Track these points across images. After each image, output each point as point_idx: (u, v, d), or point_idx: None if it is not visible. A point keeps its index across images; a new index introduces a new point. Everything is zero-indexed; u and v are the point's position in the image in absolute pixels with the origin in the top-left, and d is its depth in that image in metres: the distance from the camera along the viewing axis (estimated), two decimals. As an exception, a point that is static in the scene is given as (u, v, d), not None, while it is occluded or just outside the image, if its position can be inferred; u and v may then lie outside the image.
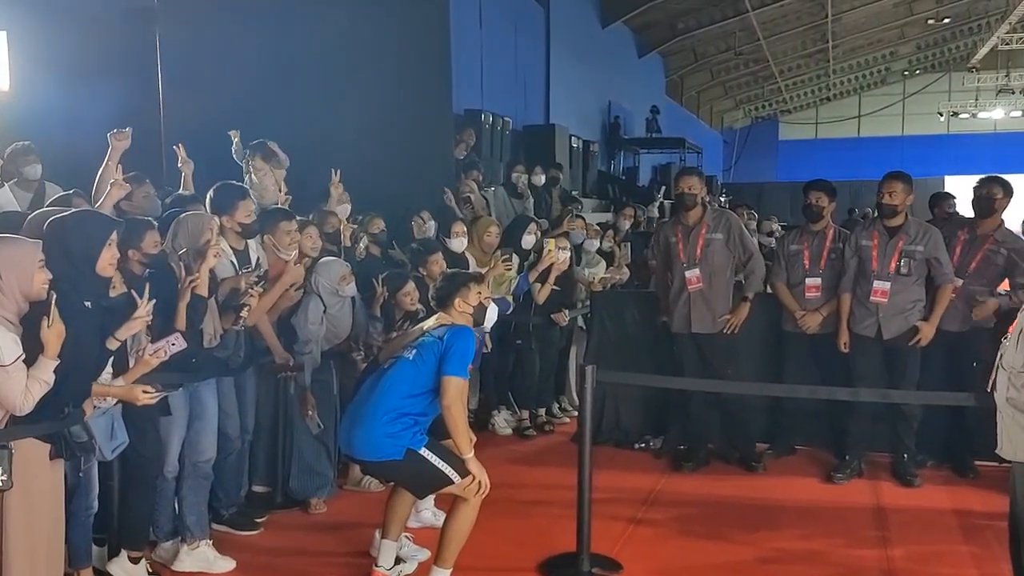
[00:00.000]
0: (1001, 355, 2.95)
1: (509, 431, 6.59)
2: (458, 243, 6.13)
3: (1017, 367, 2.83)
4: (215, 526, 4.55)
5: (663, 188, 17.32)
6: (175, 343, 3.59)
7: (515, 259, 6.30)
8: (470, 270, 5.93)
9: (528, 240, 6.51)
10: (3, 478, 2.89)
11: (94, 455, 3.53)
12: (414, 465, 3.68)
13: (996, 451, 3.25)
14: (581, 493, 4.10)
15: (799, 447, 6.03)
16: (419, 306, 5.10)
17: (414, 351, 3.76)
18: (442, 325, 3.85)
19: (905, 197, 5.33)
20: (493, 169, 10.84)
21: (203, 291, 3.85)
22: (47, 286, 2.94)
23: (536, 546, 4.37)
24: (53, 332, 2.91)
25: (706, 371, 5.56)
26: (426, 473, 3.70)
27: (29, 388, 2.87)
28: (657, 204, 15.56)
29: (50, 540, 3.12)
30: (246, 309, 4.21)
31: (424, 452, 3.68)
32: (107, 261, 3.23)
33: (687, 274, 5.60)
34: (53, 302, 2.92)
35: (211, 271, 4.01)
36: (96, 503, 3.73)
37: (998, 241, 5.40)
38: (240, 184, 4.84)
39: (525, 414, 6.62)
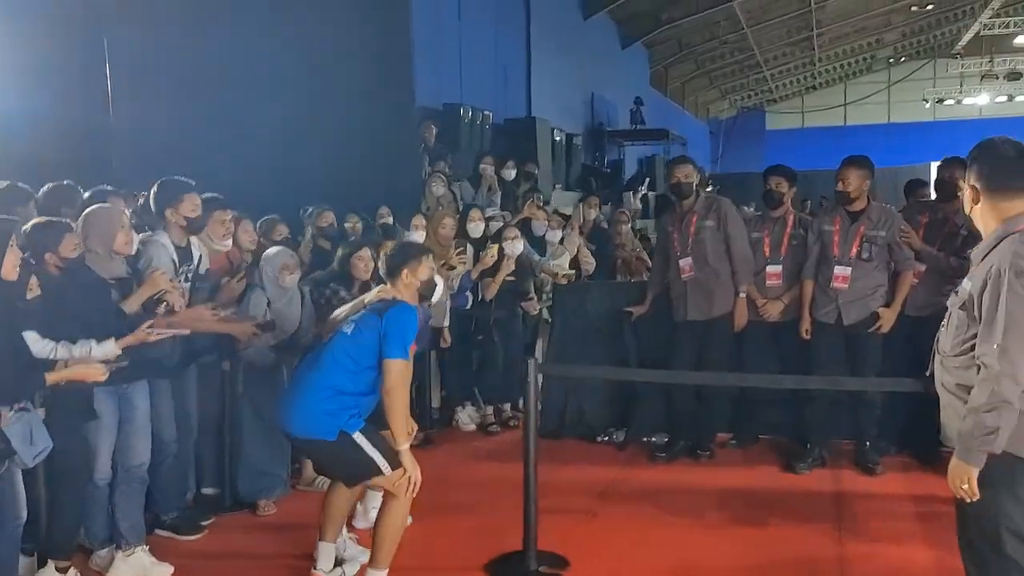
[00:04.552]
0: (937, 339, 2.86)
1: (473, 427, 6.50)
2: (417, 236, 6.03)
3: (947, 351, 2.73)
4: (157, 532, 4.46)
5: (647, 180, 17.22)
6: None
7: (469, 250, 6.22)
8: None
9: (472, 228, 6.43)
10: None
11: (13, 463, 3.41)
12: (345, 449, 3.54)
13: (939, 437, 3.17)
14: (527, 489, 4.01)
15: (763, 436, 5.94)
16: (370, 279, 4.96)
17: (352, 325, 3.63)
18: (382, 300, 3.71)
19: (860, 183, 5.24)
20: (468, 163, 10.75)
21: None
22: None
23: (485, 545, 4.27)
24: None
25: (702, 360, 5.45)
26: (356, 459, 3.56)
27: None
28: (640, 196, 15.48)
29: None
30: (163, 305, 4.02)
31: (357, 437, 3.54)
32: (11, 264, 3.12)
33: (681, 263, 5.54)
34: None
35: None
36: (24, 512, 3.59)
37: (958, 224, 5.31)
38: (186, 179, 4.67)
39: (490, 409, 6.53)
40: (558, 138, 15.04)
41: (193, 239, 4.52)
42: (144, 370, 4.03)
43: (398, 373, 3.53)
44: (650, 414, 5.93)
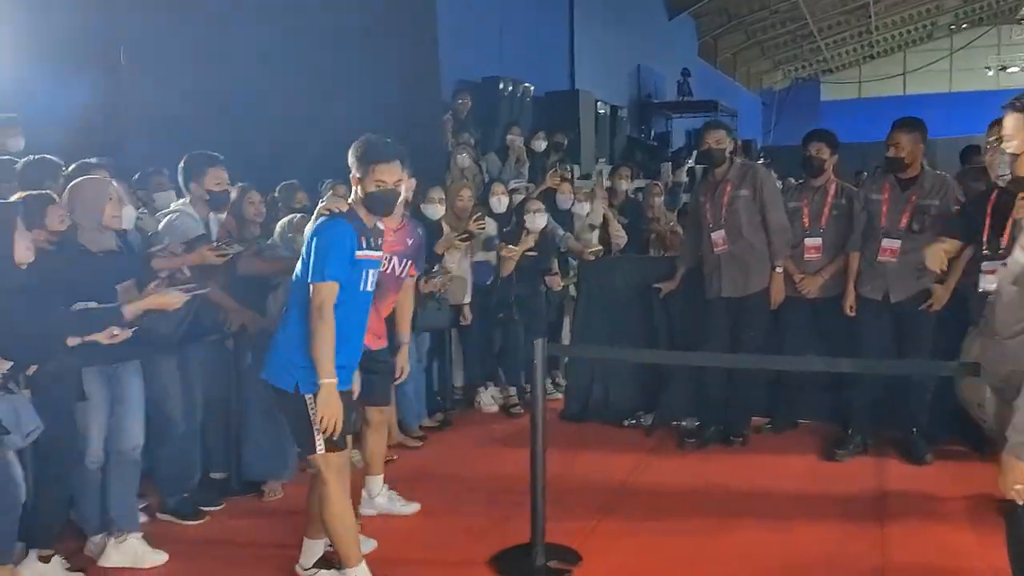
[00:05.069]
0: (983, 320, 2.50)
1: (495, 408, 6.24)
2: (432, 210, 5.73)
3: (1002, 333, 2.37)
4: (159, 515, 4.32)
5: (694, 152, 16.72)
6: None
7: (491, 223, 5.93)
8: (444, 238, 5.59)
9: (495, 202, 6.14)
10: None
11: (3, 444, 3.22)
12: (295, 407, 3.22)
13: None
14: (535, 479, 3.70)
15: (802, 421, 5.57)
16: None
17: (300, 262, 3.31)
18: (317, 220, 3.33)
19: (913, 147, 4.81)
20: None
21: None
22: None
23: (492, 536, 4.00)
24: None
25: (736, 340, 5.12)
26: (301, 423, 3.23)
27: None
28: (686, 168, 15.01)
29: None
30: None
31: (309, 400, 3.19)
32: (23, 247, 3.00)
33: (713, 236, 5.18)
34: None
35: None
36: (23, 495, 3.41)
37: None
38: (213, 153, 4.56)
39: (512, 390, 6.25)
40: (602, 111, 14.68)
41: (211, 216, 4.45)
42: (140, 348, 3.80)
43: (319, 297, 3.10)
44: (680, 397, 5.59)
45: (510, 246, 5.96)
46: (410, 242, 4.20)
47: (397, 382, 4.33)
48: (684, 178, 14.07)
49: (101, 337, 3.30)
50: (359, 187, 3.25)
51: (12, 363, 3.14)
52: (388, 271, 4.00)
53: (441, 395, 6.16)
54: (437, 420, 5.87)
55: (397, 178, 3.25)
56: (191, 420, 4.39)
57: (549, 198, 6.60)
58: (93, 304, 3.33)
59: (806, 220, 5.22)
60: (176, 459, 4.34)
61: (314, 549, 3.61)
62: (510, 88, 11.68)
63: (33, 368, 3.38)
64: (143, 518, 4.24)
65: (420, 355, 5.68)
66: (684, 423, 5.53)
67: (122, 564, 3.80)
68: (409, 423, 5.53)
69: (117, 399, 3.82)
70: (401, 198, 3.87)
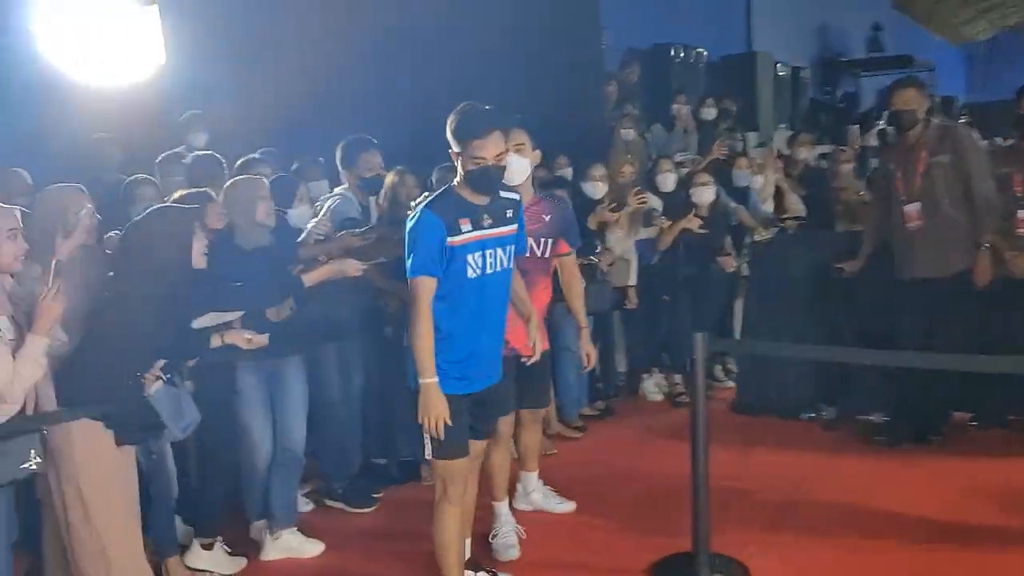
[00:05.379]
0: None
1: (660, 397, 5.92)
2: (592, 187, 5.45)
3: None
4: (327, 502, 4.36)
5: (884, 113, 15.47)
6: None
7: (656, 201, 5.58)
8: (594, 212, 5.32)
9: (662, 180, 5.76)
10: (37, 461, 2.74)
11: (163, 436, 3.27)
12: (413, 406, 2.98)
13: None
14: (696, 484, 3.38)
15: (1014, 418, 4.89)
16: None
17: None
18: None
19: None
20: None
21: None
22: (20, 257, 2.75)
23: (653, 542, 3.71)
24: (44, 307, 2.67)
25: (933, 329, 4.56)
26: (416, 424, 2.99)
27: (18, 371, 2.64)
28: (876, 131, 13.91)
29: (124, 529, 2.91)
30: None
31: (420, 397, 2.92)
32: (199, 252, 2.99)
33: (905, 209, 4.62)
34: (52, 276, 2.68)
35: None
36: (175, 487, 3.56)
37: None
38: (367, 137, 4.56)
39: (678, 378, 5.88)
40: (782, 73, 13.90)
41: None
42: (301, 342, 3.83)
43: (411, 293, 2.91)
44: (867, 387, 5.06)
45: (663, 217, 5.62)
46: (547, 218, 3.74)
47: (585, 371, 4.08)
48: (874, 142, 13.04)
49: (239, 340, 3.26)
50: (459, 164, 2.95)
51: (167, 361, 3.16)
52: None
53: (603, 382, 5.89)
54: (598, 408, 5.62)
55: (499, 151, 2.90)
56: (351, 405, 4.40)
57: (725, 174, 6.14)
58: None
59: (1018, 188, 4.55)
60: (338, 444, 4.36)
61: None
62: (681, 55, 11.26)
63: (192, 361, 3.43)
64: (308, 506, 4.29)
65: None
66: (871, 418, 5.00)
67: (281, 556, 3.83)
68: (568, 411, 5.31)
69: (277, 396, 3.83)
70: (526, 173, 3.59)
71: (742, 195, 6.22)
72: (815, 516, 3.96)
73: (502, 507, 3.82)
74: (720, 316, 5.95)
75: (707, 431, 3.38)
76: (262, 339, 3.32)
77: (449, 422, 2.89)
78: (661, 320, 5.87)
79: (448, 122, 2.93)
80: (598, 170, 5.52)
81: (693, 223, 5.53)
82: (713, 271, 5.79)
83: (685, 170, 6.10)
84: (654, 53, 10.91)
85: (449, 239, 2.89)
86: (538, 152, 3.72)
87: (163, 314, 2.85)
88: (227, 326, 3.32)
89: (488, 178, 2.91)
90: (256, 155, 4.51)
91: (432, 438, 2.94)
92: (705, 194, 5.65)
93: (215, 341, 3.23)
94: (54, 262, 2.70)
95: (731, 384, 5.94)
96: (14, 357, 2.65)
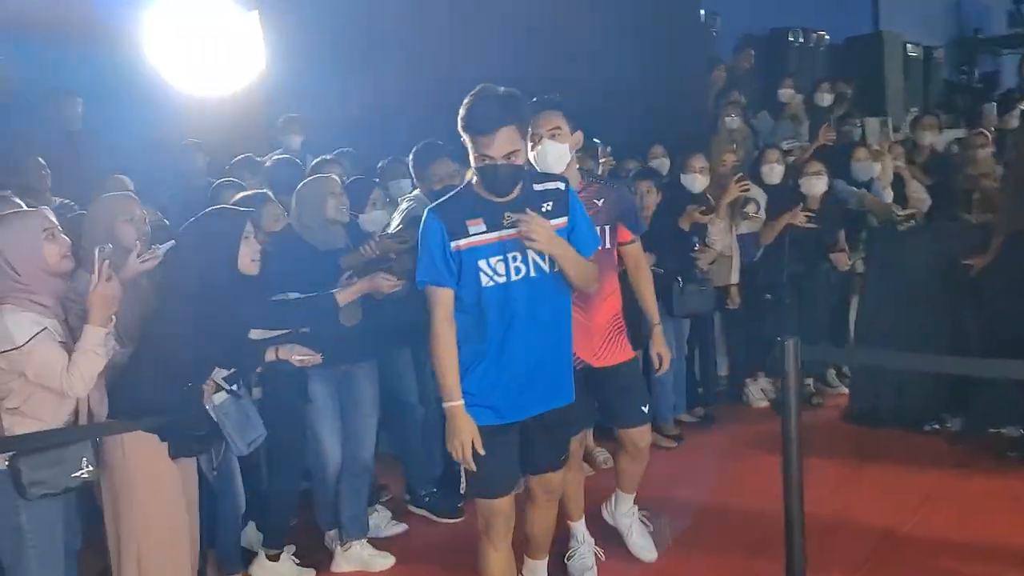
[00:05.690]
0: None
1: (765, 403, 5.52)
2: (691, 180, 5.11)
3: None
4: (412, 509, 4.24)
5: (1026, 92, 14.32)
6: None
7: (761, 194, 5.20)
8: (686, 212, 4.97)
9: (767, 172, 5.34)
10: (89, 470, 2.69)
11: (222, 450, 3.19)
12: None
13: None
14: (790, 519, 3.01)
15: None
16: None
17: None
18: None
19: None
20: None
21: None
22: (66, 256, 2.69)
23: (743, 569, 3.40)
24: (97, 296, 2.60)
25: None
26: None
27: (76, 363, 2.58)
28: (1018, 111, 12.87)
29: (169, 544, 2.83)
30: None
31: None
32: (247, 257, 2.85)
33: None
34: (99, 266, 2.60)
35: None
36: (243, 502, 3.47)
37: None
38: (438, 143, 4.35)
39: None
40: (913, 54, 13.10)
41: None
42: (373, 348, 3.72)
43: (429, 303, 2.63)
44: (998, 396, 4.53)
45: (761, 212, 5.20)
46: (600, 203, 3.26)
47: (659, 373, 3.59)
48: (1014, 123, 12.05)
49: (291, 357, 3.13)
50: (471, 159, 2.62)
51: (232, 369, 3.06)
52: None
53: (704, 386, 5.54)
54: (697, 415, 5.29)
55: (510, 149, 2.52)
56: (429, 408, 4.24)
57: (843, 167, 5.66)
58: (294, 295, 3.16)
59: None
60: (419, 448, 4.25)
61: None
62: (800, 39, 10.74)
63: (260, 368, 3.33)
64: (386, 515, 4.16)
65: (680, 342, 5.13)
66: (1004, 431, 4.50)
67: (351, 569, 3.73)
68: (663, 416, 5.00)
69: (349, 403, 3.72)
70: (564, 160, 3.13)
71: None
72: (938, 547, 3.53)
73: (578, 527, 3.56)
74: (830, 318, 5.50)
75: (799, 450, 3.02)
76: (315, 358, 3.16)
77: (480, 451, 2.58)
78: (766, 320, 5.46)
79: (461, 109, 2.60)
80: (698, 161, 5.16)
81: (798, 217, 5.11)
82: (823, 269, 5.34)
83: (792, 159, 5.65)
84: (771, 38, 10.51)
85: (452, 243, 2.58)
86: (579, 134, 3.23)
87: (208, 321, 2.74)
88: (286, 337, 3.18)
89: (496, 179, 2.56)
90: (329, 156, 4.41)
91: (467, 471, 2.68)
92: (816, 185, 5.22)
93: (269, 355, 3.11)
94: (97, 250, 2.61)
95: (845, 390, 5.49)
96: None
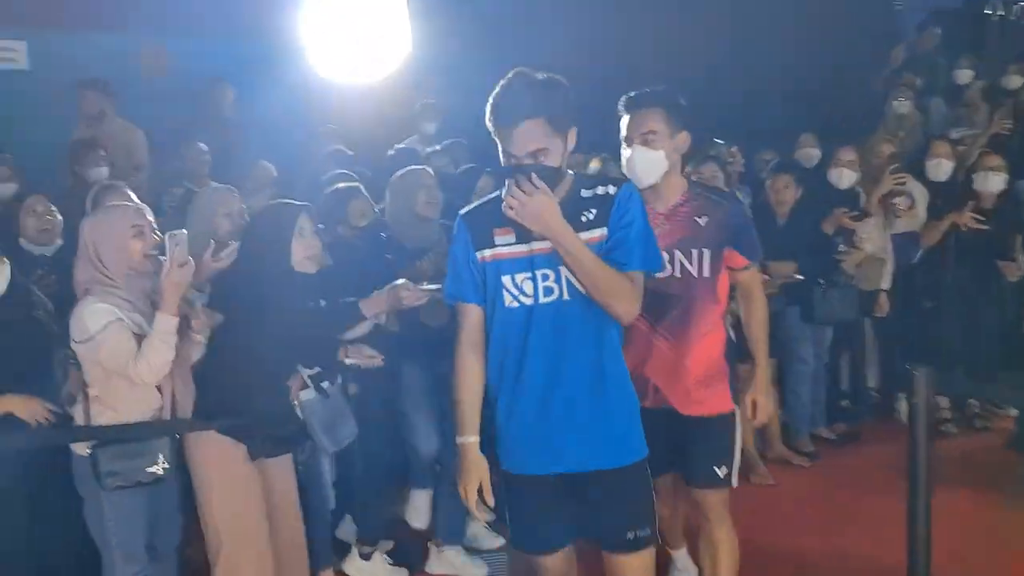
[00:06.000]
0: None
1: (919, 421, 4.95)
2: (838, 175, 4.67)
3: None
4: None
5: None
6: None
7: (922, 191, 4.67)
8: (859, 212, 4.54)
9: (933, 167, 4.77)
10: (165, 466, 2.70)
11: (306, 449, 3.14)
12: None
13: None
14: (914, 568, 2.64)
15: None
16: None
17: None
18: None
19: None
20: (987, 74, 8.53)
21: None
22: (150, 254, 2.68)
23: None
24: (168, 282, 2.59)
25: None
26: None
27: (144, 352, 2.59)
28: None
29: (247, 541, 2.80)
30: None
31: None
32: (300, 255, 2.75)
33: None
34: (172, 253, 2.57)
35: None
36: (332, 498, 3.45)
37: None
38: None
39: (945, 401, 4.91)
40: None
41: None
42: None
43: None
44: None
45: (914, 207, 4.68)
46: (702, 221, 2.68)
47: (756, 423, 3.04)
48: None
49: (359, 358, 3.02)
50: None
51: (319, 368, 3.01)
52: (668, 275, 2.63)
53: (852, 400, 5.08)
54: (837, 431, 4.85)
55: (535, 146, 2.10)
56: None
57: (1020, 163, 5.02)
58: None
59: None
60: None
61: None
62: (1000, 12, 9.49)
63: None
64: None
65: (820, 349, 4.71)
66: None
67: (444, 572, 3.64)
68: (797, 429, 4.61)
69: (447, 401, 3.58)
70: (657, 172, 2.61)
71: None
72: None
73: (680, 555, 3.32)
74: (1003, 331, 4.87)
75: (929, 488, 2.64)
76: (376, 360, 3.04)
77: (488, 499, 2.22)
78: (926, 329, 4.91)
79: None
80: (847, 154, 4.72)
81: (964, 217, 4.54)
82: (995, 277, 4.74)
83: (962, 148, 5.03)
84: (963, 12, 9.37)
85: (477, 253, 2.22)
86: (684, 135, 2.66)
87: (267, 318, 2.65)
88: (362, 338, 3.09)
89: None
90: (438, 147, 4.27)
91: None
92: (992, 181, 4.64)
93: (341, 355, 3.01)
94: (168, 236, 2.59)
95: (1014, 412, 4.86)
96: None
